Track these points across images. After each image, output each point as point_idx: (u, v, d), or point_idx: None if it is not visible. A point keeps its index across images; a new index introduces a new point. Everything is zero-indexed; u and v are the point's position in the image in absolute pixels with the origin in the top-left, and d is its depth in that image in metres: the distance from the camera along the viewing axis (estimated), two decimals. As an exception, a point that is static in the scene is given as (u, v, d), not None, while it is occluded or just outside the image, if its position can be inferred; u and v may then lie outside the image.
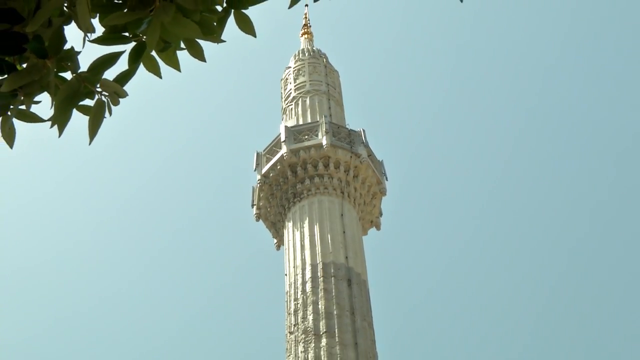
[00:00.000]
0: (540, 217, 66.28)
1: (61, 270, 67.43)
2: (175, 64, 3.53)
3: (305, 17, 37.43)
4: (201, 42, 3.50)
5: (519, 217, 67.04)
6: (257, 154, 29.28)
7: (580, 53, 69.12)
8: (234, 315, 66.69)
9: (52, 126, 3.43)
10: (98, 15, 3.42)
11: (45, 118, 3.47)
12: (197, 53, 3.51)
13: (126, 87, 3.45)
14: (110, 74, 3.42)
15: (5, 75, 3.29)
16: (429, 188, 68.05)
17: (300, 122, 29.86)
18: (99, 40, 3.38)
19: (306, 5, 33.11)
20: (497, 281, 65.38)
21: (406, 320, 61.64)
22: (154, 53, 3.47)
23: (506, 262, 65.72)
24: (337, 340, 22.59)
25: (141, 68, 3.52)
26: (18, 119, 3.48)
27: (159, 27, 3.28)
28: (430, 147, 69.81)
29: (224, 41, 3.58)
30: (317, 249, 25.26)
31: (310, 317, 23.29)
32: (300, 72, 32.79)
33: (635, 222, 63.27)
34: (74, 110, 3.42)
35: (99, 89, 3.38)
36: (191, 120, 73.35)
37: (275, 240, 28.54)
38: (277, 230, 28.28)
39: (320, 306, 23.48)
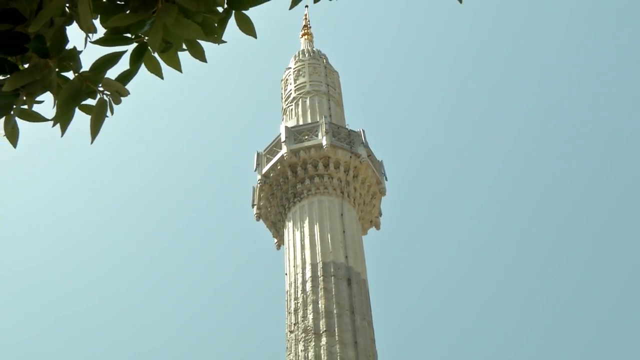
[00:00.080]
0: (539, 216, 66.41)
1: (62, 270, 67.56)
2: (176, 65, 3.54)
3: (306, 18, 37.52)
4: (202, 42, 3.50)
5: (517, 216, 67.18)
6: (258, 154, 29.36)
7: (579, 53, 69.26)
8: (234, 314, 66.83)
9: (54, 125, 3.43)
10: (99, 16, 3.43)
11: (48, 117, 3.46)
12: (198, 54, 3.51)
13: (127, 87, 3.46)
14: (111, 74, 3.44)
15: (8, 75, 3.29)
16: (428, 188, 68.18)
17: (301, 123, 29.94)
18: (101, 42, 3.39)
19: (306, 6, 32.97)
20: (495, 280, 65.51)
21: (405, 319, 61.78)
22: (155, 53, 3.48)
23: (505, 262, 65.85)
24: (337, 339, 22.66)
25: (142, 68, 3.52)
26: (21, 118, 3.48)
27: (161, 29, 3.29)
28: (429, 147, 69.95)
29: (225, 42, 3.58)
30: (317, 248, 25.33)
31: (311, 316, 23.36)
32: (301, 72, 32.87)
33: (633, 221, 63.40)
34: (76, 110, 3.42)
35: (100, 88, 3.38)
36: (192, 121, 73.53)
37: (275, 240, 28.61)
38: (277, 230, 28.35)
39: (320, 305, 23.55)
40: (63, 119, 3.40)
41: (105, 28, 3.40)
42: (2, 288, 63.75)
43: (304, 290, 24.28)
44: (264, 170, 28.56)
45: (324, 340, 22.71)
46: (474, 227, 67.56)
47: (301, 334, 23.18)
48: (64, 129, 3.44)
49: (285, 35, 69.71)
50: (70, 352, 62.11)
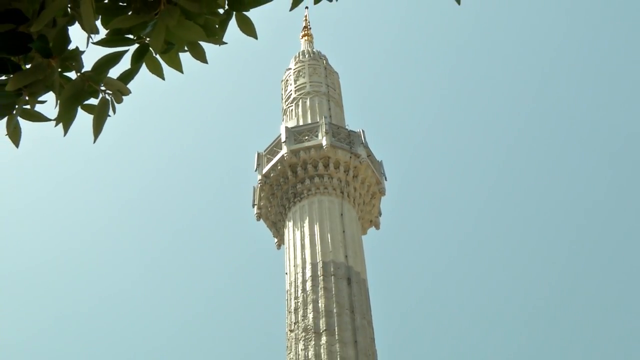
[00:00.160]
0: (539, 216, 66.51)
1: (63, 270, 67.67)
2: (177, 66, 3.54)
3: (306, 19, 37.60)
4: (203, 43, 3.51)
5: (517, 216, 67.29)
6: (258, 154, 29.41)
7: (578, 53, 69.38)
8: (235, 313, 66.94)
9: (56, 125, 3.43)
10: (101, 17, 3.44)
11: (50, 117, 3.46)
12: (199, 55, 3.53)
13: (129, 87, 3.47)
14: (113, 74, 3.45)
15: (11, 75, 3.29)
16: (428, 188, 68.29)
17: (301, 123, 29.99)
18: (103, 42, 3.40)
19: (306, 7, 33.31)
20: (495, 280, 65.59)
21: (405, 318, 61.87)
22: (156, 54, 3.48)
23: (504, 261, 65.93)
24: (337, 338, 22.70)
25: (144, 69, 3.53)
26: (23, 118, 3.48)
27: (163, 30, 3.30)
28: (429, 147, 70.04)
29: (226, 43, 3.60)
30: (317, 248, 25.39)
31: (311, 316, 23.42)
32: (301, 73, 32.93)
33: (631, 221, 63.53)
34: (79, 109, 3.43)
35: (102, 88, 3.39)
36: (192, 121, 73.65)
37: (275, 240, 28.66)
38: (277, 230, 28.41)
39: (320, 304, 23.60)
40: (65, 118, 3.41)
41: (108, 29, 3.42)
42: (3, 288, 63.93)
43: (304, 289, 24.33)
44: (264, 171, 28.62)
45: (324, 339, 22.76)
46: (473, 226, 67.71)
47: (301, 333, 23.23)
48: (66, 129, 3.45)
49: (285, 36, 69.91)
50: (70, 352, 62.25)
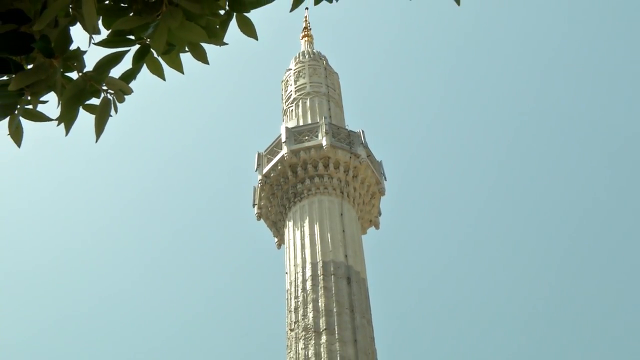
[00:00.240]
0: (538, 216, 66.60)
1: (64, 270, 67.78)
2: (178, 66, 3.55)
3: (306, 20, 37.67)
4: (204, 44, 3.51)
5: (516, 216, 67.40)
6: (258, 154, 29.48)
7: (577, 54, 69.51)
8: (235, 312, 67.08)
9: (58, 125, 3.44)
10: (102, 17, 3.45)
11: (52, 117, 3.47)
12: (201, 56, 3.54)
13: (131, 87, 3.47)
14: (114, 74, 3.46)
15: (13, 75, 3.30)
16: (427, 188, 68.44)
17: (301, 123, 30.05)
18: (104, 43, 3.40)
19: (306, 8, 33.41)
20: (494, 279, 65.69)
21: (404, 317, 61.95)
22: (157, 55, 3.49)
23: (504, 261, 66.03)
24: (336, 337, 22.76)
25: (145, 70, 3.53)
26: (25, 118, 3.49)
27: (166, 32, 3.31)
28: (428, 147, 70.16)
29: (227, 44, 3.60)
30: (317, 247, 25.45)
31: (311, 315, 23.48)
32: (301, 74, 33.00)
33: (631, 221, 63.63)
34: (80, 109, 3.43)
35: (104, 87, 3.39)
36: (193, 122, 73.76)
37: (276, 239, 28.73)
38: (277, 230, 28.48)
39: (320, 304, 23.67)
40: (67, 118, 3.42)
41: (109, 30, 3.43)
42: (4, 287, 64.05)
43: (304, 289, 24.40)
44: (264, 171, 28.68)
45: (323, 338, 22.82)
46: (472, 226, 67.81)
47: (301, 332, 23.29)
48: (68, 129, 3.46)
49: (285, 37, 70.07)
50: (71, 352, 62.36)
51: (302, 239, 26.05)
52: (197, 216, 69.41)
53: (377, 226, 29.46)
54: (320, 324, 23.21)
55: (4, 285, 66.10)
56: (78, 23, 3.46)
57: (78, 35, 3.42)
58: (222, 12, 3.55)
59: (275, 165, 28.50)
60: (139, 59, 3.46)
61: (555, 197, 66.83)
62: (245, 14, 3.59)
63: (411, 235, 67.38)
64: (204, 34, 3.38)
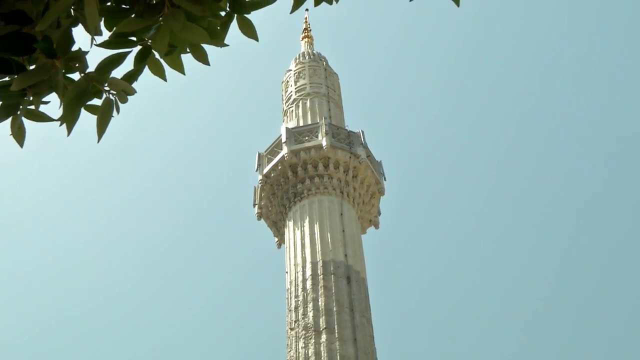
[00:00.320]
0: (537, 216, 66.73)
1: (65, 270, 67.91)
2: (179, 67, 3.56)
3: (306, 22, 37.76)
4: (205, 45, 3.52)
5: (515, 216, 67.52)
6: (259, 154, 29.58)
7: (576, 54, 69.63)
8: (236, 312, 67.25)
9: (60, 125, 3.44)
10: (104, 19, 3.45)
11: (54, 117, 3.47)
12: (202, 57, 3.55)
13: (133, 88, 3.48)
14: (116, 75, 3.46)
15: (15, 75, 3.31)
16: (427, 188, 68.59)
17: (301, 124, 30.14)
18: (106, 44, 3.41)
19: (307, 9, 33.55)
20: (493, 279, 65.82)
21: (404, 316, 62.09)
22: (158, 56, 3.50)
23: (503, 261, 66.16)
24: (336, 336, 22.85)
25: (146, 71, 3.54)
26: (27, 118, 3.50)
27: (168, 34, 3.32)
28: (427, 147, 70.29)
29: (227, 45, 3.61)
30: (317, 247, 25.53)
31: (311, 314, 23.56)
32: (301, 75, 33.09)
33: (629, 221, 63.75)
34: (82, 110, 3.44)
35: (106, 88, 3.40)
36: (194, 122, 73.94)
37: (276, 239, 28.81)
38: (278, 229, 28.56)
39: (320, 303, 23.75)
40: (69, 119, 3.42)
41: (111, 32, 3.44)
42: (5, 287, 64.19)
43: (304, 288, 24.47)
44: (265, 171, 28.77)
45: (323, 337, 22.90)
46: (471, 226, 67.94)
47: (301, 331, 23.36)
48: (70, 129, 3.46)
49: (285, 38, 70.22)
50: (72, 351, 62.48)
51: (302, 238, 26.12)
52: (198, 216, 69.61)
53: (376, 226, 29.53)
54: (320, 323, 23.28)
55: (5, 285, 66.26)
56: (80, 24, 3.47)
57: (80, 36, 3.44)
58: (223, 13, 3.57)
59: (276, 165, 28.60)
60: (140, 60, 3.47)
61: (555, 197, 67.00)
62: (246, 15, 3.60)
63: (411, 235, 67.56)
64: (205, 35, 3.39)
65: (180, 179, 72.26)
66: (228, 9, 3.57)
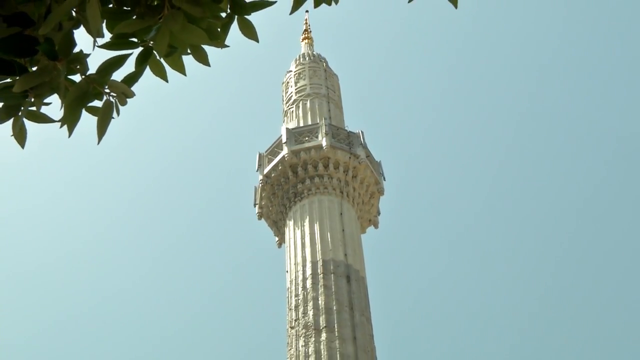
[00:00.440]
0: (537, 216, 66.86)
1: (66, 270, 68.00)
2: (180, 68, 3.57)
3: (306, 23, 37.88)
4: (205, 46, 3.54)
5: (514, 215, 67.67)
6: (259, 154, 29.68)
7: (575, 54, 69.79)
8: (237, 310, 67.45)
9: (61, 127, 3.46)
10: (105, 21, 3.47)
11: (55, 119, 3.49)
12: (202, 58, 3.57)
13: (133, 90, 3.50)
14: (117, 76, 3.48)
15: (17, 77, 3.32)
16: (426, 188, 68.78)
17: (301, 124, 30.26)
18: (107, 46, 3.42)
19: (307, 11, 33.70)
20: (492, 278, 65.98)
21: (403, 315, 62.24)
22: (159, 57, 3.51)
23: (502, 260, 66.29)
24: (336, 334, 22.95)
25: (147, 72, 3.55)
26: (28, 119, 3.51)
27: (167, 34, 3.34)
28: (426, 148, 70.43)
29: (228, 46, 3.62)
30: (317, 246, 25.63)
31: (311, 313, 23.66)
32: (301, 76, 33.19)
33: (628, 222, 63.89)
34: (83, 111, 3.45)
35: (107, 90, 3.41)
36: (195, 123, 74.11)
37: (276, 238, 28.91)
38: (278, 229, 28.64)
39: (320, 302, 23.85)
40: (70, 120, 3.44)
41: (113, 34, 3.45)
42: (7, 288, 64.35)
43: (304, 287, 24.57)
44: (265, 171, 28.88)
45: (323, 335, 23.01)
46: (470, 225, 68.09)
47: (302, 329, 23.45)
48: (71, 130, 3.48)
49: (286, 40, 70.40)
50: (73, 351, 62.62)
51: (303, 238, 26.22)
52: (199, 216, 69.79)
53: (376, 225, 29.61)
54: (320, 322, 23.39)
55: (7, 285, 66.40)
56: (81, 26, 3.49)
57: (81, 38, 3.47)
58: (223, 14, 3.58)
59: (276, 165, 28.72)
60: (142, 62, 3.49)
61: (554, 197, 67.13)
62: (246, 16, 3.63)
63: (410, 235, 67.74)
64: (204, 36, 3.41)
65: (181, 179, 72.50)
66: (229, 10, 3.59)
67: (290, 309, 24.59)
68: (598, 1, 70.44)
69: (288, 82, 33.43)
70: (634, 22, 66.63)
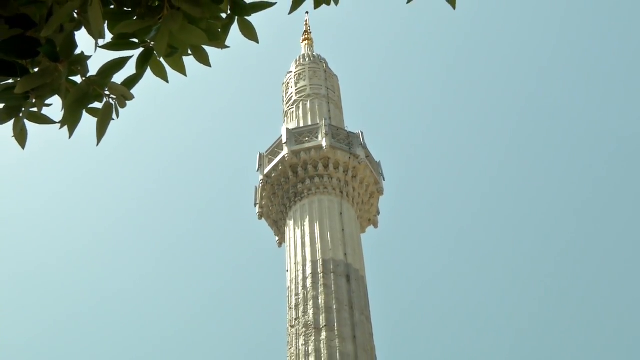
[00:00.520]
0: (536, 215, 66.96)
1: (67, 270, 68.08)
2: (181, 69, 3.59)
3: (306, 24, 37.95)
4: (206, 47, 3.56)
5: (513, 215, 67.75)
6: (260, 155, 29.75)
7: (574, 55, 69.91)
8: (237, 310, 67.55)
9: (62, 128, 3.47)
10: (106, 22, 3.48)
11: (56, 120, 3.50)
12: (203, 58, 3.58)
13: (133, 90, 3.52)
14: (118, 78, 3.51)
15: (18, 78, 3.33)
16: (425, 187, 68.90)
17: (301, 125, 30.33)
18: (108, 46, 3.44)
19: (307, 12, 33.86)
20: (491, 277, 66.09)
21: (403, 314, 62.32)
22: (160, 58, 3.54)
23: (501, 260, 66.38)
24: (336, 333, 22.99)
25: (148, 72, 3.57)
26: (29, 120, 3.53)
27: (167, 35, 3.35)
28: (426, 148, 70.55)
29: (228, 47, 3.64)
30: (317, 246, 25.67)
31: (311, 312, 23.71)
32: (301, 76, 33.26)
33: (627, 222, 64.01)
34: (84, 113, 3.48)
35: (107, 92, 3.43)
36: (196, 123, 74.22)
37: (277, 238, 28.95)
38: (278, 228, 28.68)
39: (320, 301, 23.89)
40: (70, 121, 3.45)
41: (113, 34, 3.46)
42: (7, 288, 64.49)
43: (304, 286, 24.62)
44: (265, 171, 28.93)
45: (323, 334, 23.05)
46: (470, 225, 68.18)
47: (302, 328, 23.49)
48: (71, 131, 3.49)
49: (286, 41, 70.45)
50: (74, 351, 62.73)
51: (303, 237, 26.27)
52: (200, 216, 69.91)
53: (375, 225, 29.66)
54: (320, 321, 23.43)
55: (7, 285, 66.53)
56: (82, 28, 3.51)
57: (82, 39, 3.49)
58: (224, 15, 3.61)
59: (276, 165, 28.79)
60: (142, 63, 3.51)
61: (553, 197, 67.24)
62: (247, 17, 3.65)
63: (409, 234, 67.87)
64: (204, 36, 3.43)
65: (181, 180, 72.61)
66: (229, 11, 3.62)
67: (290, 308, 24.63)
68: (597, 1, 70.64)
69: (288, 83, 33.53)
70: (634, 22, 66.81)
